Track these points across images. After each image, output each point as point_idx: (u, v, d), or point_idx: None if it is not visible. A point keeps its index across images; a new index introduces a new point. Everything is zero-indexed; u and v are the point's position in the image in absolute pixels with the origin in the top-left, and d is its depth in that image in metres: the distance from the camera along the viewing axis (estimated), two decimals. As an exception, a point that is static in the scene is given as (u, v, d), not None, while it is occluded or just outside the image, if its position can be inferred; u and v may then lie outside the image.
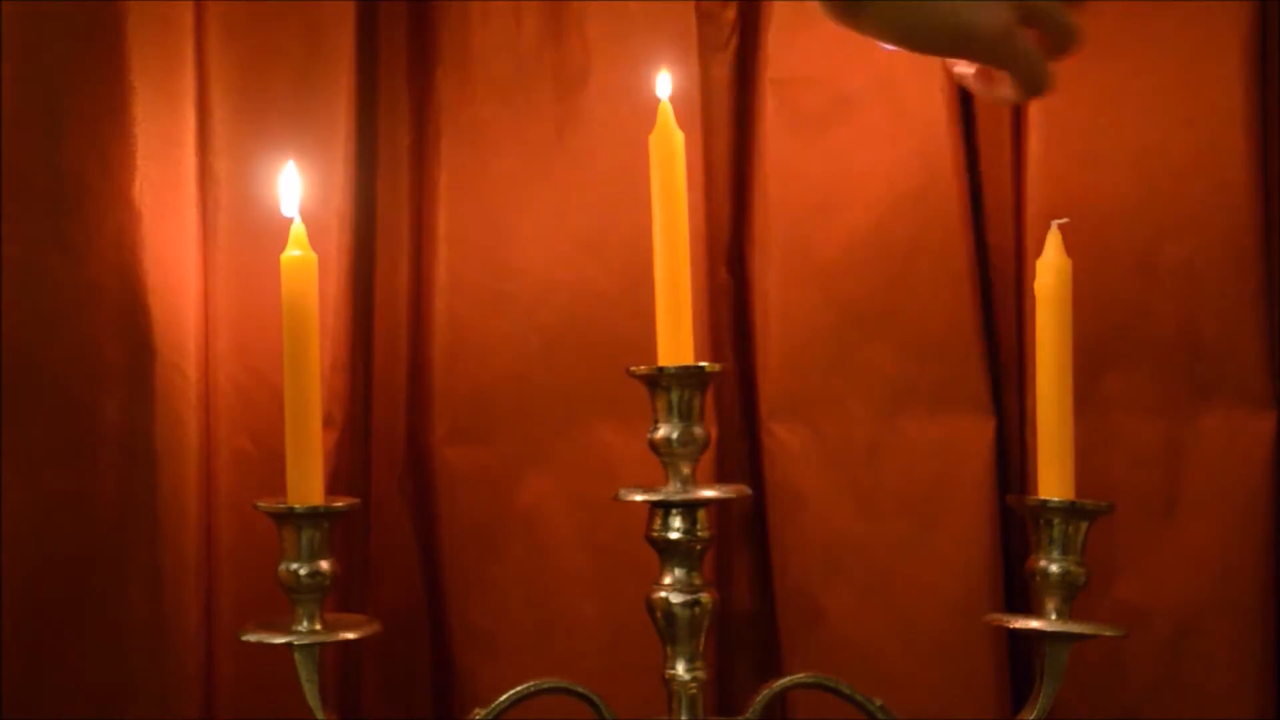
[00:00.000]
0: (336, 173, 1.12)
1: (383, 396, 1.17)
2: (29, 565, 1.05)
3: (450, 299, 1.14)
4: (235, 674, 1.10)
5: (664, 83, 1.01)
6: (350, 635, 0.98)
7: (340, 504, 0.98)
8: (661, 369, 0.97)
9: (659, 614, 0.98)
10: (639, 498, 0.98)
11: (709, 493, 0.99)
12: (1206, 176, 1.13)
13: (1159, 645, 1.13)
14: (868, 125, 1.13)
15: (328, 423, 1.06)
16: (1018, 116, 1.14)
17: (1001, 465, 1.15)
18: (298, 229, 0.98)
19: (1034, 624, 0.96)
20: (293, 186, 1.01)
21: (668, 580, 0.98)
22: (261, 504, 0.98)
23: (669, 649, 0.98)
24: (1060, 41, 0.87)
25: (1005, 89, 0.89)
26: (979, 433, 1.14)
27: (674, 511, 0.97)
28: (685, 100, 1.10)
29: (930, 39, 0.85)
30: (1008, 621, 1.00)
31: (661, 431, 0.98)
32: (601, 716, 0.98)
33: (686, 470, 0.98)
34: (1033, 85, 0.87)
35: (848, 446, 1.15)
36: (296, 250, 0.97)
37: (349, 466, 1.13)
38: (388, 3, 1.16)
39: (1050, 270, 0.97)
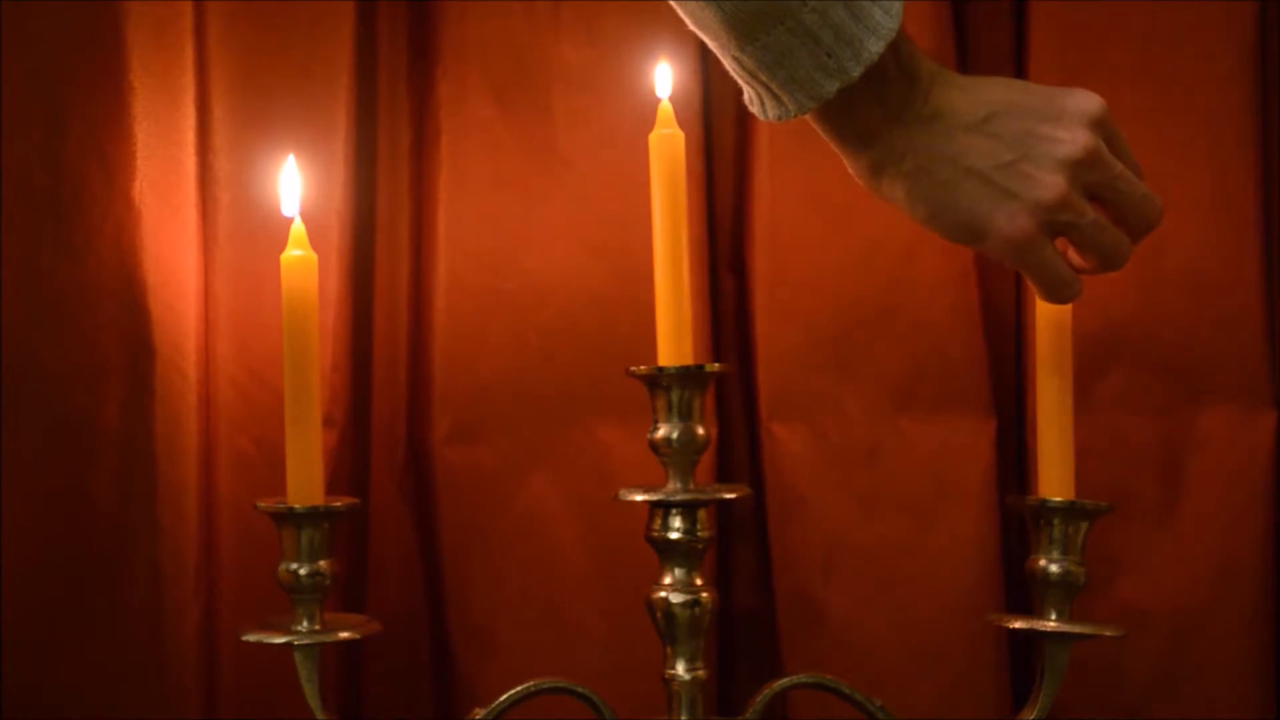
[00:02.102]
0: (336, 172, 1.12)
1: (383, 396, 1.16)
2: (29, 565, 1.05)
3: (450, 299, 1.14)
4: (235, 674, 1.10)
5: (664, 78, 1.01)
6: (350, 635, 0.98)
7: (340, 504, 0.98)
8: (661, 369, 0.97)
9: (659, 614, 0.98)
10: (639, 498, 0.98)
11: (709, 493, 0.99)
12: (1206, 175, 1.13)
13: (1159, 645, 1.13)
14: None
15: (328, 423, 1.06)
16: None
17: (1001, 465, 1.15)
18: (298, 229, 0.98)
19: (1034, 624, 0.96)
20: (293, 186, 1.01)
21: (668, 580, 0.98)
22: (261, 504, 0.98)
23: (669, 649, 0.98)
24: (1136, 218, 0.81)
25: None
26: (979, 433, 1.14)
27: (674, 511, 0.97)
28: (686, 99, 1.10)
29: (946, 225, 0.79)
30: (1008, 621, 1.00)
31: (661, 431, 0.98)
32: (601, 716, 0.98)
33: (686, 470, 0.98)
34: (1051, 296, 0.82)
35: (848, 446, 1.15)
36: (296, 250, 0.97)
37: (349, 466, 1.13)
38: (388, 2, 1.16)
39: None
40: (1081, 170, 0.77)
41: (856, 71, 0.73)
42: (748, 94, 0.78)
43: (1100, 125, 0.78)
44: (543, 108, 1.15)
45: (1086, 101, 0.78)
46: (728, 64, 0.76)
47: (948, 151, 0.77)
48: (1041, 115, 0.78)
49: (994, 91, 0.78)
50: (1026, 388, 1.14)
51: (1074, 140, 0.77)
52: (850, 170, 0.80)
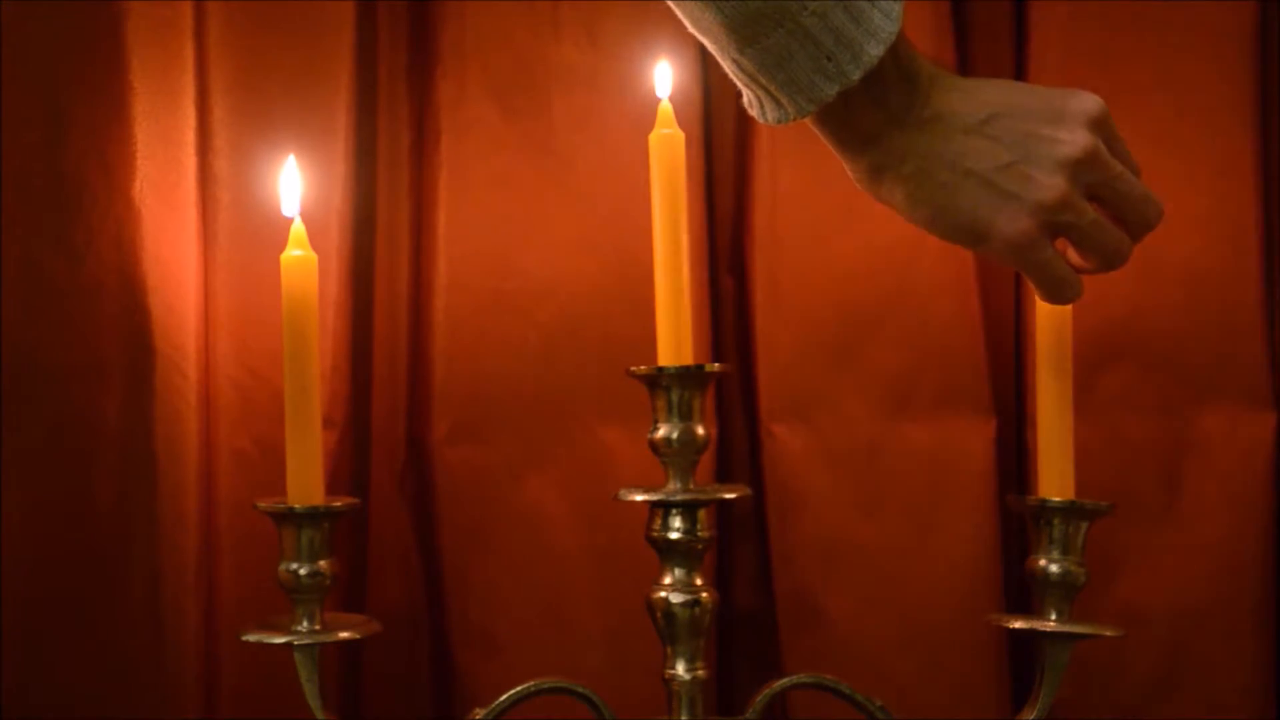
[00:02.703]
0: (336, 172, 1.12)
1: (383, 396, 1.16)
2: (29, 565, 1.05)
3: (450, 299, 1.14)
4: (235, 674, 1.10)
5: (664, 78, 1.01)
6: (350, 635, 0.98)
7: (340, 504, 0.98)
8: (661, 369, 0.97)
9: (659, 614, 0.98)
10: (639, 498, 0.98)
11: (709, 493, 0.99)
12: (1207, 175, 1.13)
13: (1159, 645, 1.13)
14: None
15: (328, 423, 1.06)
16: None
17: (1001, 465, 1.15)
18: (298, 229, 0.98)
19: (1034, 624, 0.96)
20: (293, 186, 1.01)
21: (668, 580, 0.98)
22: (261, 504, 0.98)
23: (669, 649, 0.98)
24: (1136, 218, 0.81)
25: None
26: (979, 433, 1.14)
27: (674, 511, 0.97)
28: (686, 99, 1.10)
29: (946, 227, 0.79)
30: (1008, 621, 1.00)
31: (661, 431, 0.98)
32: (601, 716, 0.98)
33: (686, 470, 0.98)
34: (1052, 297, 0.81)
35: (848, 446, 1.15)
36: (296, 250, 0.97)
37: (349, 466, 1.13)
38: (388, 3, 1.16)
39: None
40: (1081, 171, 0.78)
41: (856, 75, 0.73)
42: (747, 97, 0.78)
43: (1100, 126, 0.79)
44: (543, 108, 1.15)
45: (1086, 102, 0.79)
46: (727, 67, 0.76)
47: (947, 154, 0.77)
48: (1041, 116, 0.78)
49: (993, 93, 0.79)
50: (1026, 388, 1.14)
51: (1074, 141, 0.77)
52: (849, 173, 0.80)
